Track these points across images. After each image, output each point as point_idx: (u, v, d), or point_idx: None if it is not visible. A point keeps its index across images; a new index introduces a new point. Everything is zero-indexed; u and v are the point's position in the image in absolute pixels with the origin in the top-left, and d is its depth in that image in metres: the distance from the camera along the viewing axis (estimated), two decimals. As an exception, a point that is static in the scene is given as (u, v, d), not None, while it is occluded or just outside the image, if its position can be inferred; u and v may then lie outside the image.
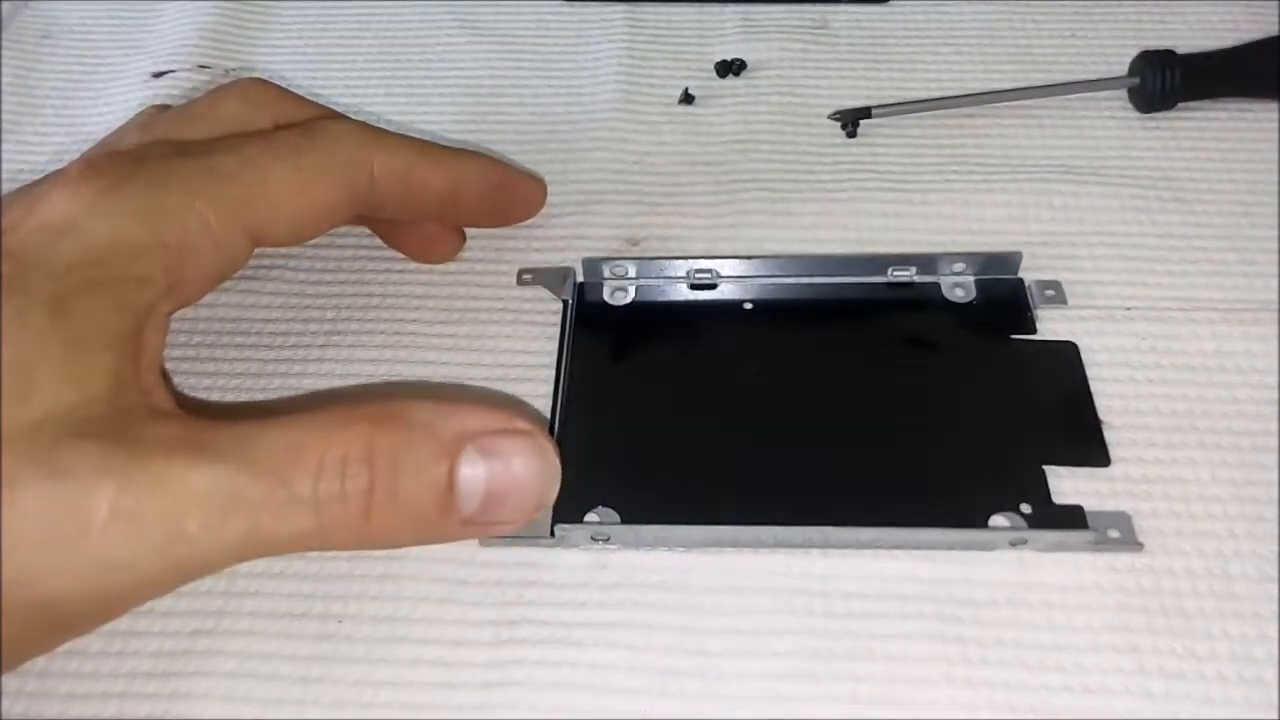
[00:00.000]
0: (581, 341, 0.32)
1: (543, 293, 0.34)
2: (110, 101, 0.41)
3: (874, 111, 0.38)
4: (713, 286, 0.33)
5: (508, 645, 0.26)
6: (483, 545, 0.28)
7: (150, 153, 0.25)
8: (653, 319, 0.33)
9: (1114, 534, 0.27)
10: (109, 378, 0.21)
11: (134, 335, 0.22)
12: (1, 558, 0.19)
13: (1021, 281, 0.33)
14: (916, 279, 0.33)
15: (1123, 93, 0.38)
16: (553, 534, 0.28)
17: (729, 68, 0.41)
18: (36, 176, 0.27)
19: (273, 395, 0.31)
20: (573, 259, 0.34)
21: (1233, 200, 0.35)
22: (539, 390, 0.31)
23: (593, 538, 0.28)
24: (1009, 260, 0.33)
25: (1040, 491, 0.28)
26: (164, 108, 0.30)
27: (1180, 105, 0.38)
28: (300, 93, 0.31)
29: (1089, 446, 0.29)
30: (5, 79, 0.43)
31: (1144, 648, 0.26)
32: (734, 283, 0.33)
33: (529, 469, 0.23)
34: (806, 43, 0.42)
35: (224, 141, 0.26)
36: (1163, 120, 0.38)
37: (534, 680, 0.26)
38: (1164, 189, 0.35)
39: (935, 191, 0.36)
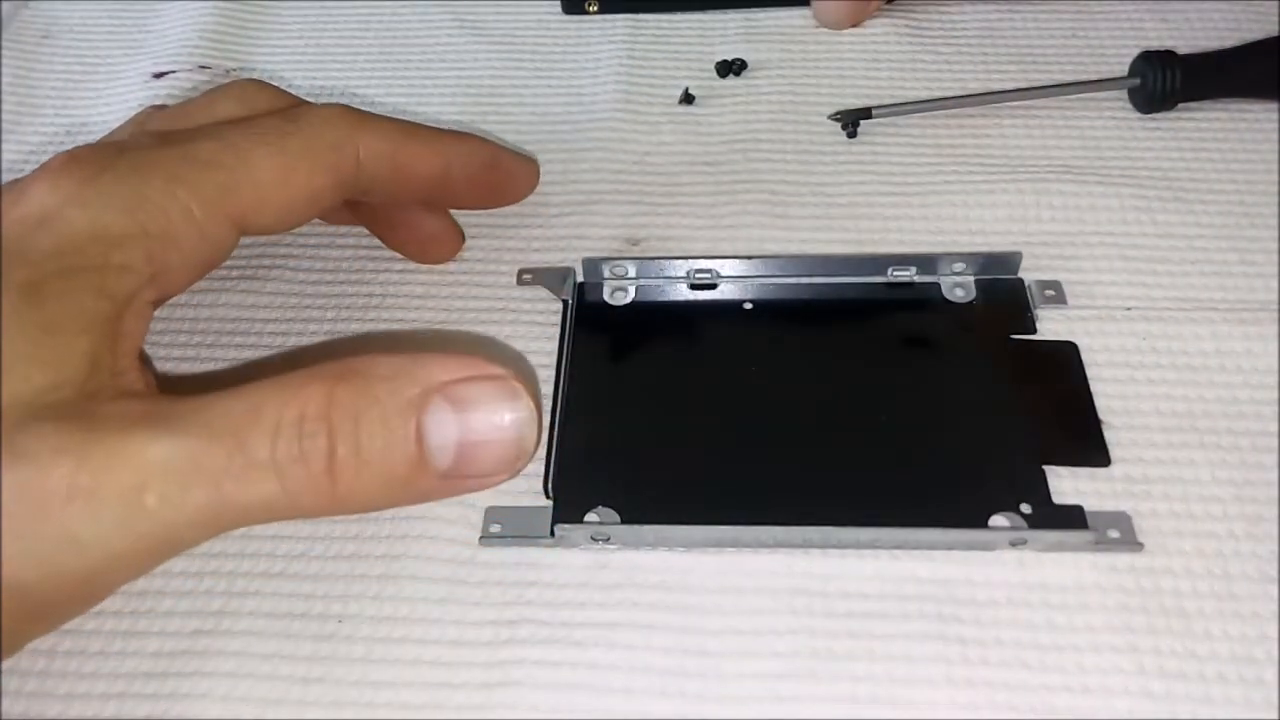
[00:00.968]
0: (581, 341, 0.32)
1: (543, 293, 0.34)
2: (110, 101, 0.41)
3: (874, 111, 0.38)
4: (713, 286, 0.33)
5: (508, 645, 0.26)
6: (483, 545, 0.28)
7: (133, 143, 0.25)
8: (653, 319, 0.33)
9: (1114, 534, 0.27)
10: (83, 362, 0.21)
11: (112, 321, 0.22)
12: None
13: (1021, 281, 0.33)
14: (916, 279, 0.33)
15: (1123, 93, 0.38)
16: (553, 534, 0.28)
17: (729, 68, 0.41)
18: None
19: (273, 395, 0.31)
20: (573, 259, 0.34)
21: (1233, 200, 0.35)
22: (539, 390, 0.31)
23: (593, 538, 0.28)
24: (1009, 260, 0.33)
25: (1040, 491, 0.28)
26: (162, 107, 0.30)
27: (1180, 105, 0.38)
28: (300, 93, 0.31)
29: (1089, 446, 0.29)
30: (5, 79, 0.43)
31: (1144, 648, 0.26)
32: (734, 283, 0.33)
33: (503, 416, 0.22)
34: (807, 43, 0.42)
35: (206, 129, 0.26)
36: (1163, 120, 0.38)
37: (534, 680, 0.26)
38: (1164, 189, 0.35)
39: (935, 192, 0.36)
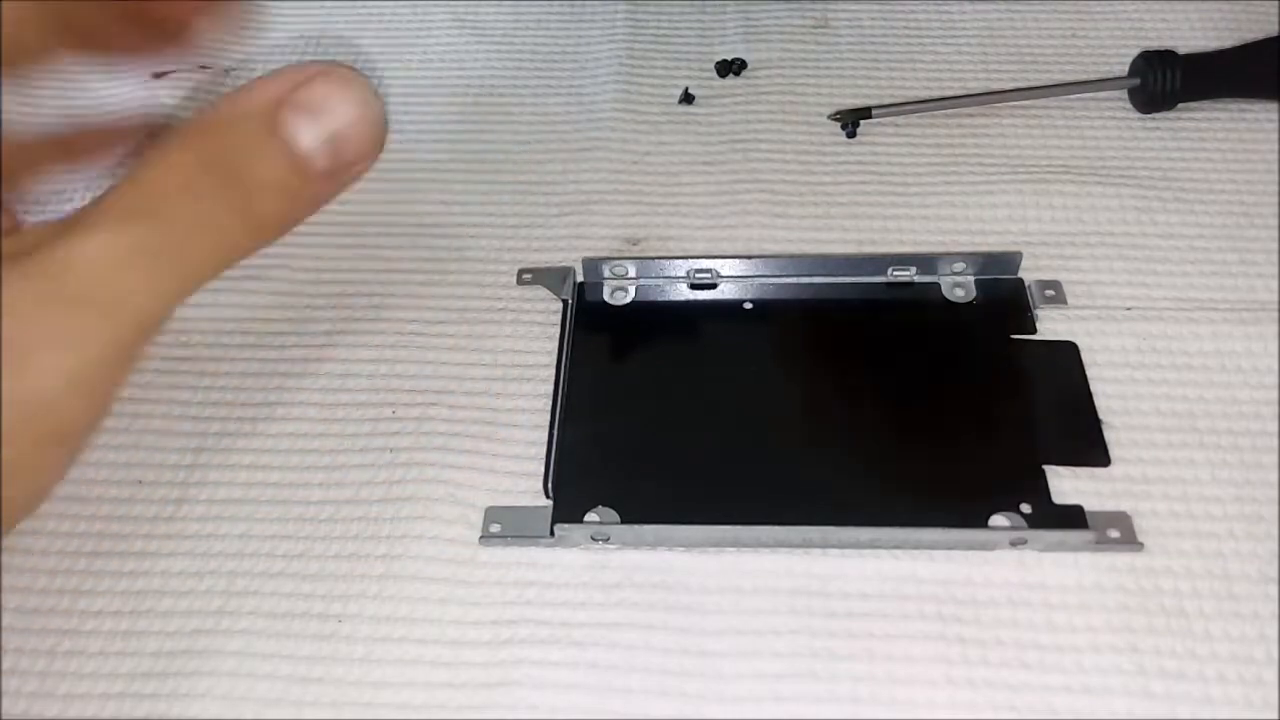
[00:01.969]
0: (581, 341, 0.32)
1: (543, 293, 0.34)
2: (110, 101, 0.41)
3: (874, 111, 0.38)
4: (713, 286, 0.33)
5: (508, 645, 0.26)
6: (483, 545, 0.28)
7: None
8: (653, 319, 0.33)
9: (1114, 534, 0.27)
10: None
11: None
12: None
13: (1021, 281, 0.33)
14: (916, 279, 0.33)
15: (1123, 93, 0.38)
16: (552, 534, 0.28)
17: (729, 67, 0.41)
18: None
19: (273, 395, 0.32)
20: (573, 259, 0.34)
21: (1233, 200, 0.35)
22: (539, 390, 0.31)
23: (593, 538, 0.28)
24: (1009, 260, 0.33)
25: (1040, 491, 0.28)
26: None
27: (1180, 105, 0.38)
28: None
29: (1089, 446, 0.29)
30: (5, 78, 0.42)
31: (1144, 648, 0.26)
32: (734, 283, 0.33)
33: (350, 101, 0.22)
34: (807, 43, 0.42)
35: None
36: (1163, 120, 0.38)
37: (534, 680, 0.26)
38: (1164, 189, 0.35)
39: (935, 192, 0.36)
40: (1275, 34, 0.38)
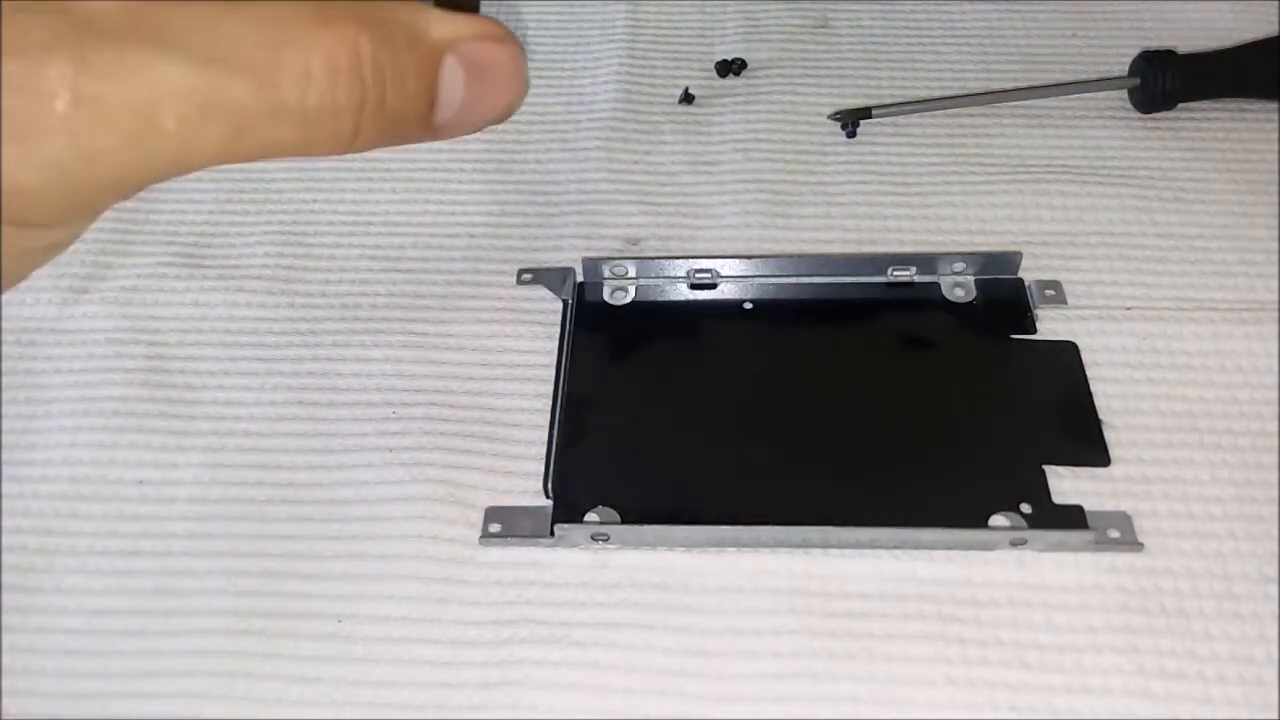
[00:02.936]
0: (581, 341, 0.32)
1: (543, 292, 0.34)
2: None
3: (874, 111, 0.38)
4: (713, 286, 0.33)
5: (508, 645, 0.26)
6: (483, 545, 0.28)
7: None
8: (653, 319, 0.33)
9: (1114, 534, 0.27)
10: None
11: None
12: None
13: (1021, 281, 0.33)
14: (916, 279, 0.33)
15: (1123, 93, 0.38)
16: (553, 534, 0.28)
17: (729, 67, 0.41)
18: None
19: (276, 395, 0.31)
20: (573, 259, 0.34)
21: (1233, 200, 0.35)
22: (539, 390, 0.31)
23: (593, 538, 0.28)
24: (1009, 260, 0.33)
25: (1040, 491, 0.28)
26: None
27: (1180, 105, 0.38)
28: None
29: (1089, 446, 0.29)
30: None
31: (1144, 648, 0.26)
32: (734, 283, 0.33)
33: (504, 77, 0.21)
34: (807, 43, 0.42)
35: None
36: (1163, 120, 0.38)
37: (534, 680, 0.26)
38: (1164, 189, 0.35)
39: (935, 192, 0.36)
40: (1275, 34, 0.38)
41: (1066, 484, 0.28)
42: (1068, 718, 0.25)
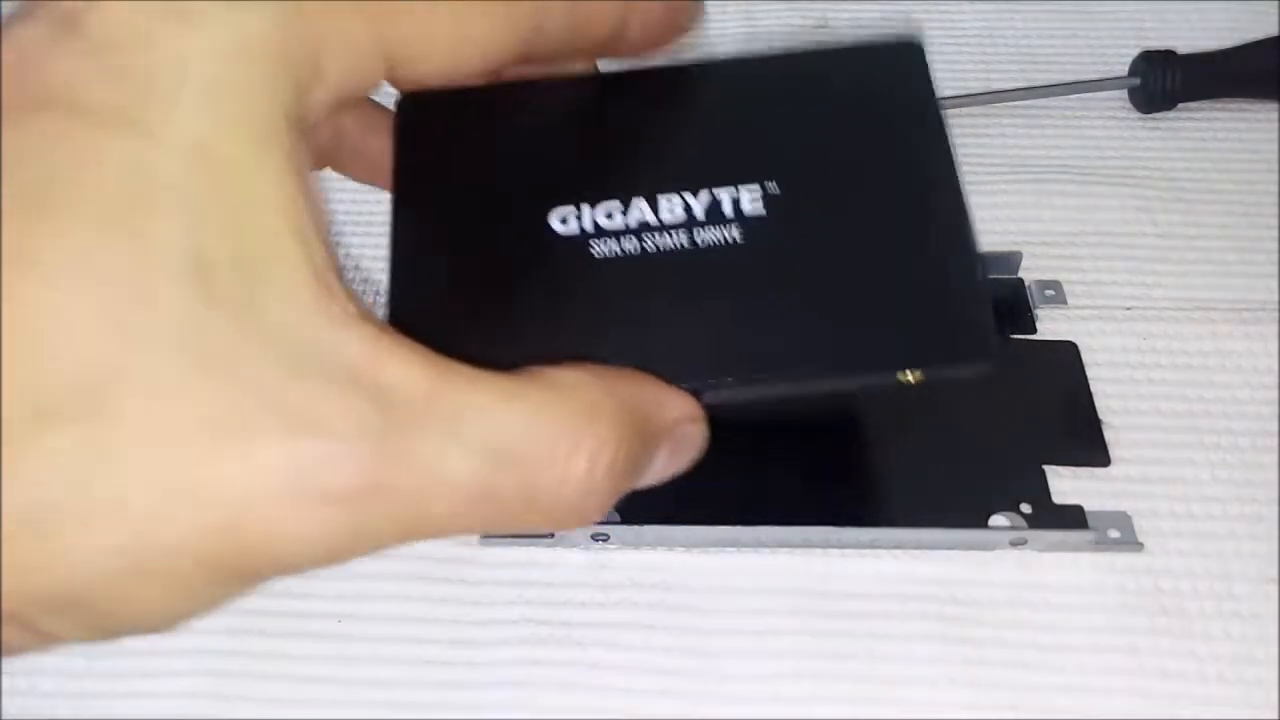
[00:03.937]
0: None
1: (543, 292, 0.34)
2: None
3: (874, 111, 0.38)
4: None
5: (508, 645, 0.26)
6: (483, 545, 0.28)
7: None
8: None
9: (1114, 534, 0.27)
10: (280, 237, 0.16)
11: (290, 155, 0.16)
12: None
13: (1021, 281, 0.33)
14: (916, 279, 0.33)
15: (1123, 93, 0.38)
16: (553, 534, 0.28)
17: (729, 68, 0.40)
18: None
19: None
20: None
21: (1233, 200, 0.35)
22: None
23: (593, 537, 0.28)
24: (1009, 260, 0.33)
25: (1040, 491, 0.28)
26: None
27: (1180, 105, 0.38)
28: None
29: (1089, 446, 0.29)
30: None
31: (1144, 648, 0.26)
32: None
33: (690, 453, 0.21)
34: (806, 43, 0.42)
35: None
36: (1163, 120, 0.38)
37: (534, 680, 0.26)
38: (1164, 189, 0.35)
39: (935, 191, 0.36)
40: (1275, 34, 0.38)
41: (1066, 484, 0.28)
42: (1068, 718, 0.25)
